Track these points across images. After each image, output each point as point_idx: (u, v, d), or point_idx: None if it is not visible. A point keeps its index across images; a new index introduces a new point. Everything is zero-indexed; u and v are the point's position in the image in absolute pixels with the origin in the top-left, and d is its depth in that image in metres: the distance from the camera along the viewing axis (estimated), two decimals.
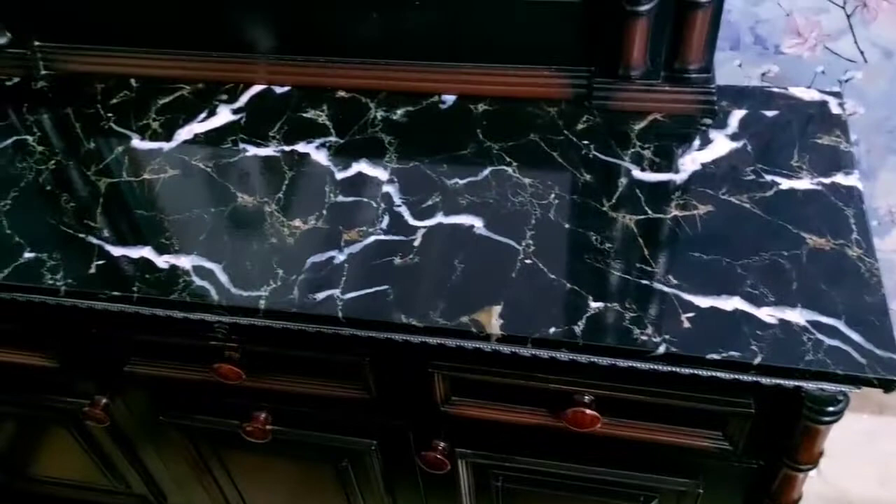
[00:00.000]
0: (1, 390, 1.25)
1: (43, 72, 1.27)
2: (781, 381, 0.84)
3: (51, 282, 0.97)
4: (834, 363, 0.80)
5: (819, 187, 0.98)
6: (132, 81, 1.24)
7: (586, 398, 0.95)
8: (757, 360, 0.81)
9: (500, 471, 1.13)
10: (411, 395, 1.03)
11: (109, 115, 1.19)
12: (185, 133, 1.15)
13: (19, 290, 0.98)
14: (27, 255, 1.00)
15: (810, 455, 0.92)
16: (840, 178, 0.99)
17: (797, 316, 0.84)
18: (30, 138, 1.17)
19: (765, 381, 0.84)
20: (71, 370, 1.15)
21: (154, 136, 1.15)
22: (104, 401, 1.18)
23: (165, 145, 1.13)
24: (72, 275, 0.97)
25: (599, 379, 0.93)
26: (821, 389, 0.85)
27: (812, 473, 0.96)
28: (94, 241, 1.01)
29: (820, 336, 0.83)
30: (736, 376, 0.85)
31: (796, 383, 0.84)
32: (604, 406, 0.96)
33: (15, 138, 1.17)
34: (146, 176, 1.09)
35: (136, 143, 1.14)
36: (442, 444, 1.09)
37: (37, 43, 1.26)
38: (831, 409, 0.86)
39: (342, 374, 1.04)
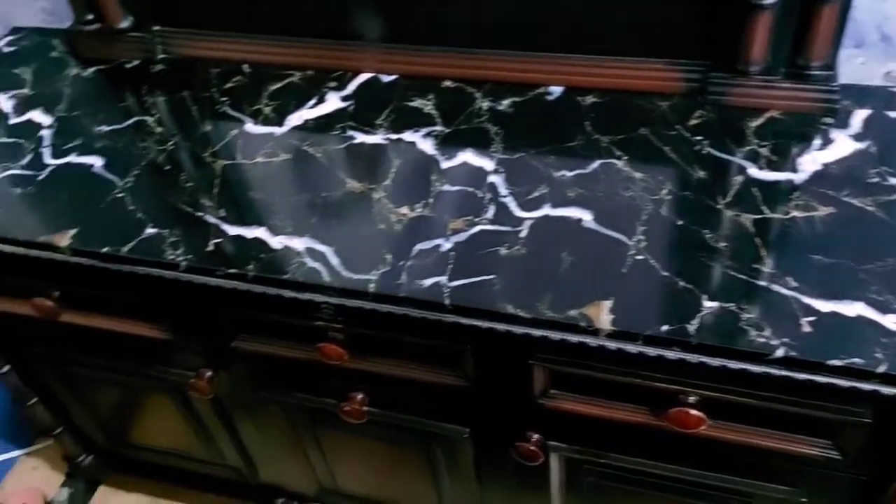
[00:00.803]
0: (114, 359, 1.30)
1: (161, 55, 1.32)
2: None
3: (171, 257, 1.01)
4: None
5: None
6: (245, 67, 1.28)
7: (691, 399, 0.94)
8: (881, 369, 0.79)
9: (593, 466, 1.13)
10: (509, 385, 1.03)
11: (224, 99, 1.23)
12: (295, 119, 1.18)
13: (142, 264, 1.02)
14: (149, 230, 1.04)
15: None
16: None
17: None
18: (149, 119, 1.22)
19: (885, 390, 0.81)
20: (181, 343, 1.20)
21: (266, 121, 1.18)
22: (209, 374, 1.22)
23: (277, 130, 1.16)
24: (191, 251, 1.01)
25: (707, 380, 0.91)
26: None
27: None
28: (212, 219, 1.05)
29: None
30: (854, 384, 0.82)
31: None
32: (708, 407, 0.94)
33: (136, 119, 1.22)
34: (259, 159, 1.13)
35: (250, 127, 1.18)
36: (536, 435, 1.09)
37: (156, 27, 1.31)
38: None
39: (441, 360, 1.05)
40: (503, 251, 0.95)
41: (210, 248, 1.01)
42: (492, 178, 1.04)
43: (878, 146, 1.00)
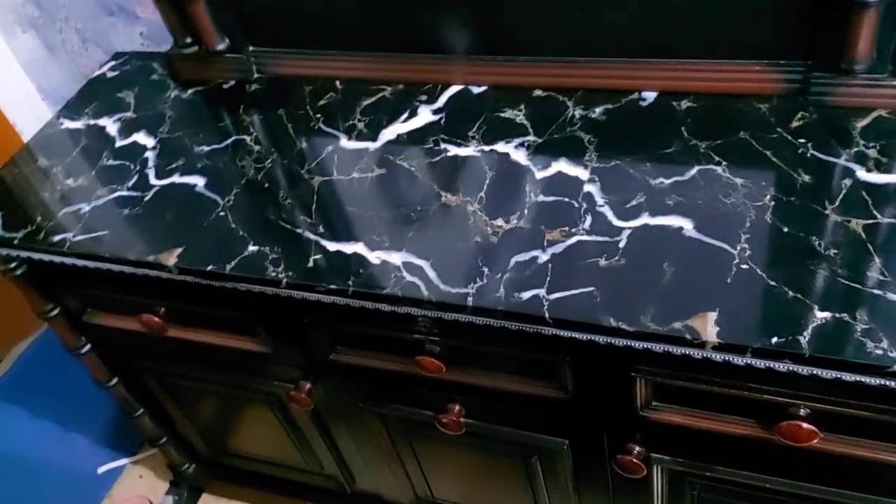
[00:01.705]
0: (216, 371, 1.35)
1: (256, 75, 1.36)
2: None
3: (273, 274, 1.03)
4: None
5: None
6: (337, 83, 1.31)
7: (802, 411, 0.91)
8: None
9: (697, 479, 1.10)
10: (609, 397, 1.02)
11: (318, 115, 1.26)
12: (388, 133, 1.19)
13: (245, 281, 1.05)
14: (251, 248, 1.07)
15: None
16: None
17: None
18: (247, 138, 1.25)
19: None
20: (280, 356, 1.23)
21: (360, 137, 1.20)
22: (308, 386, 1.25)
23: (371, 145, 1.18)
24: (292, 268, 1.03)
25: (819, 392, 0.88)
26: None
27: None
28: (311, 236, 1.07)
29: None
30: None
31: None
32: (820, 420, 0.90)
33: (234, 138, 1.26)
34: (355, 175, 1.15)
35: (344, 142, 1.20)
36: (637, 448, 1.07)
37: (251, 48, 1.35)
38: None
39: (539, 372, 1.05)
40: (602, 262, 0.94)
41: (310, 264, 1.03)
42: (587, 188, 1.03)
43: None
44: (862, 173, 0.96)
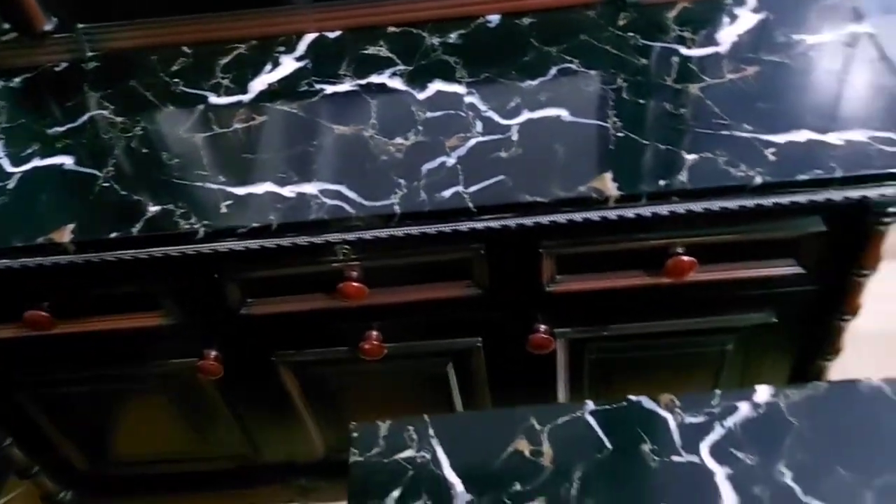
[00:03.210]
0: (107, 364, 1.28)
1: (90, 53, 1.30)
2: (852, 193, 0.99)
3: (187, 227, 1.02)
4: None
5: (837, 38, 1.15)
6: (185, 48, 1.29)
7: (680, 249, 1.09)
8: (838, 174, 0.97)
9: (594, 342, 1.26)
10: (519, 280, 1.14)
11: (175, 80, 1.24)
12: (258, 84, 1.22)
13: (158, 242, 1.03)
14: (152, 208, 1.05)
15: (874, 260, 1.09)
16: (853, 28, 1.16)
17: (859, 135, 1.01)
18: (105, 112, 1.21)
19: (836, 196, 1.00)
20: (184, 326, 1.20)
21: (229, 92, 1.21)
22: (214, 353, 1.23)
23: (244, 97, 1.20)
24: (205, 217, 1.03)
25: (692, 227, 1.06)
26: (882, 195, 1.01)
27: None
28: (214, 185, 1.07)
29: (882, 146, 0.99)
30: (812, 198, 1.00)
31: (863, 193, 1.00)
32: (697, 253, 1.09)
33: (89, 114, 1.21)
34: (237, 125, 1.16)
35: (214, 99, 1.20)
36: (543, 326, 1.21)
37: (80, 25, 1.29)
38: (891, 209, 1.03)
39: (456, 273, 1.14)
40: (503, 154, 1.06)
41: (223, 210, 1.04)
42: (468, 99, 1.14)
43: (774, 14, 1.20)
44: (684, 50, 1.17)
